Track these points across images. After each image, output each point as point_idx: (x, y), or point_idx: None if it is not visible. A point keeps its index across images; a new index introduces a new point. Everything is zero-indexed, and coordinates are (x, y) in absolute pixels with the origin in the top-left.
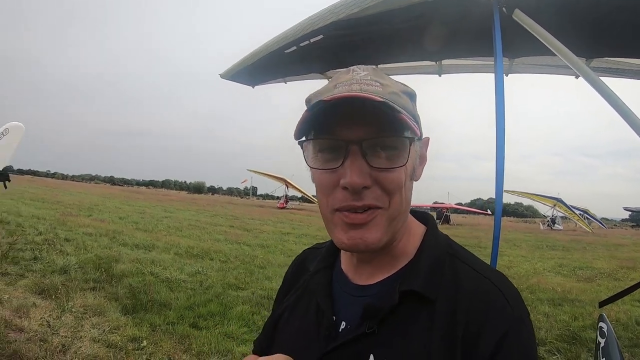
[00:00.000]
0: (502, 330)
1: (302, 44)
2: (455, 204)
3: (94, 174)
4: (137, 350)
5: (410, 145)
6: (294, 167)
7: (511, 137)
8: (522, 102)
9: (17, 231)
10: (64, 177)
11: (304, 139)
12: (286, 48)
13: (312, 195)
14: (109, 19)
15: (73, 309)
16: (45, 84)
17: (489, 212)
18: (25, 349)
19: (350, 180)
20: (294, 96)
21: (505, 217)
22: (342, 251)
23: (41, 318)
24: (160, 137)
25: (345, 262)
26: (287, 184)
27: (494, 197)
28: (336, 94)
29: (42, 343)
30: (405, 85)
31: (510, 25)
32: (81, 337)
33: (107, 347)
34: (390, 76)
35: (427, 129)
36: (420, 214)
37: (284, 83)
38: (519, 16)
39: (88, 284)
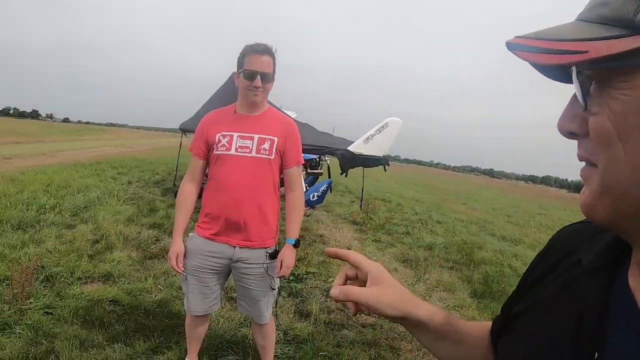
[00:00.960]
0: None
1: None
2: None
3: (474, 166)
4: None
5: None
6: None
7: None
8: None
9: (396, 209)
10: (446, 167)
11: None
12: None
13: None
14: None
15: (427, 281)
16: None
17: None
18: None
19: (559, 123)
20: None
21: None
22: (635, 251)
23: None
24: (536, 130)
25: (637, 270)
26: None
27: None
28: None
29: None
30: None
31: None
32: None
33: None
34: None
35: None
36: None
37: None
38: None
39: (448, 263)
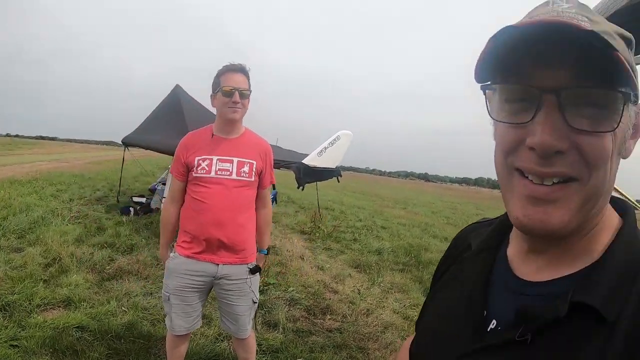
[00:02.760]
0: None
1: None
2: None
3: (409, 171)
4: None
5: (624, 105)
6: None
7: None
8: None
9: (340, 217)
10: (382, 173)
11: (489, 83)
12: None
13: None
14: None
15: (382, 284)
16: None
17: None
18: (336, 306)
19: (541, 139)
20: None
21: None
22: (513, 233)
23: (353, 286)
24: (471, 135)
25: (514, 247)
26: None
27: None
28: (529, 19)
29: (350, 304)
30: (619, 27)
31: None
32: (384, 307)
33: (404, 318)
34: None
35: None
36: (618, 202)
37: None
38: None
39: (397, 265)
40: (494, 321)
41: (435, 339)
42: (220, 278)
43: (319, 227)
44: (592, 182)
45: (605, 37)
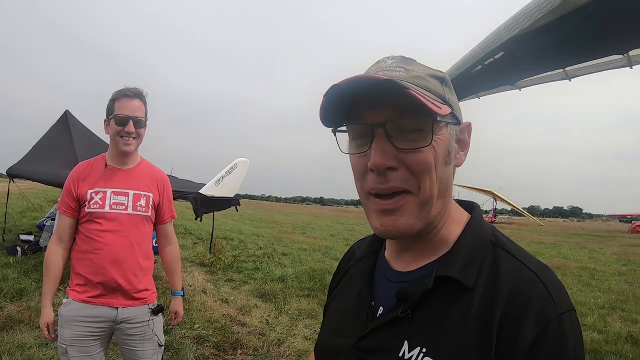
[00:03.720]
0: (541, 326)
1: (486, 62)
2: None
3: (304, 196)
4: None
5: (434, 125)
6: (502, 179)
7: None
8: None
9: (239, 246)
10: (278, 199)
11: (336, 128)
12: (473, 68)
13: (523, 208)
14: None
15: (289, 311)
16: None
17: None
18: (246, 339)
19: (374, 161)
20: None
21: None
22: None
23: (261, 316)
24: None
25: (389, 249)
26: (495, 197)
27: None
28: (349, 78)
29: (260, 336)
30: (435, 69)
31: None
32: (294, 335)
33: None
34: (579, 76)
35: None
36: (466, 203)
37: (477, 98)
38: None
39: (303, 291)
40: (381, 308)
41: (334, 334)
42: (120, 322)
43: (219, 258)
44: (422, 191)
45: (415, 84)
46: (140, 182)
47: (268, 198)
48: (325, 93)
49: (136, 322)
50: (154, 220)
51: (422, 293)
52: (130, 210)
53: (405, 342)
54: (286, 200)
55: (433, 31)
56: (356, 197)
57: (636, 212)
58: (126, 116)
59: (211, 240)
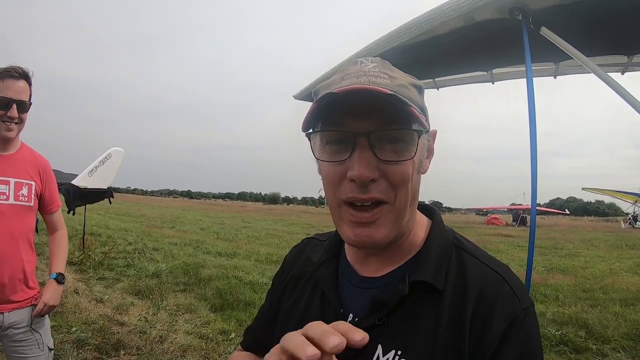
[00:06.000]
0: (509, 320)
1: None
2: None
3: (171, 189)
4: (226, 340)
5: (419, 138)
6: None
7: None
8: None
9: (108, 242)
10: (144, 192)
11: (311, 130)
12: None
13: None
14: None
15: (167, 307)
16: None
17: (567, 211)
18: (127, 339)
19: (358, 172)
20: None
21: (585, 217)
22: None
23: (139, 314)
24: (233, 151)
25: (351, 254)
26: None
27: (574, 196)
28: (345, 86)
29: (141, 334)
30: (413, 77)
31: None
32: (176, 330)
33: (200, 338)
34: (448, 87)
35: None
36: (425, 207)
37: None
38: (546, 33)
39: (179, 286)
40: (351, 315)
41: None
42: (7, 328)
43: (89, 255)
44: (397, 201)
45: (401, 94)
46: (21, 170)
47: (134, 191)
48: (318, 100)
49: (24, 326)
50: (36, 211)
51: (399, 300)
52: (12, 200)
53: (379, 346)
54: (152, 193)
55: None
56: (224, 190)
57: (490, 206)
58: (10, 99)
59: (83, 236)
